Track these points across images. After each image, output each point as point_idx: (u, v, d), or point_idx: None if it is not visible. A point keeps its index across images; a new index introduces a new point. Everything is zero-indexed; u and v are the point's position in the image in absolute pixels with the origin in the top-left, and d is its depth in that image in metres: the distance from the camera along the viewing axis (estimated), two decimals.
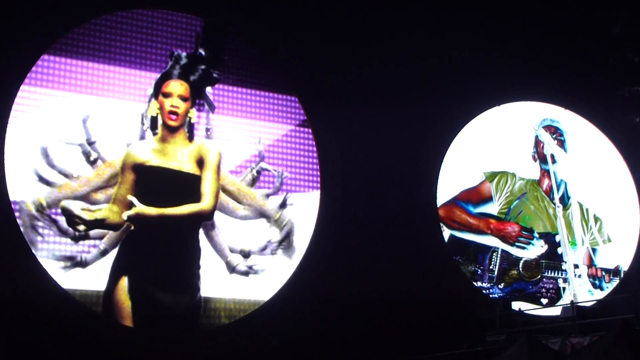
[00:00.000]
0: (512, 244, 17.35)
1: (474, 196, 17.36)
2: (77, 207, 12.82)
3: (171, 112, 13.53)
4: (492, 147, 17.82)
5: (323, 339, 13.96)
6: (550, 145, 18.37)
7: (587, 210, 18.40)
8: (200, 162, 13.71)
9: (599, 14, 18.06)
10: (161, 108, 13.58)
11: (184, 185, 13.53)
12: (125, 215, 12.86)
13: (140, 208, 12.84)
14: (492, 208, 17.50)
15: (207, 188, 13.60)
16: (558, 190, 18.15)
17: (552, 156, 18.34)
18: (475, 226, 17.18)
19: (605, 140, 19.03)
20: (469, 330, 14.22)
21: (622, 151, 19.00)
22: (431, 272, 15.62)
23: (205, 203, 13.53)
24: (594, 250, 18.21)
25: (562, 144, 18.58)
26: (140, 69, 14.09)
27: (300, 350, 13.62)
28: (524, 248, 17.49)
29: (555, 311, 15.95)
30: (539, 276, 17.46)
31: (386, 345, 14.10)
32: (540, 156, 18.32)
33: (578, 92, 18.62)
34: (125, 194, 13.05)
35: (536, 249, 17.54)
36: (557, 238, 17.78)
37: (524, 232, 17.53)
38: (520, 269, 17.33)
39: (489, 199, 17.51)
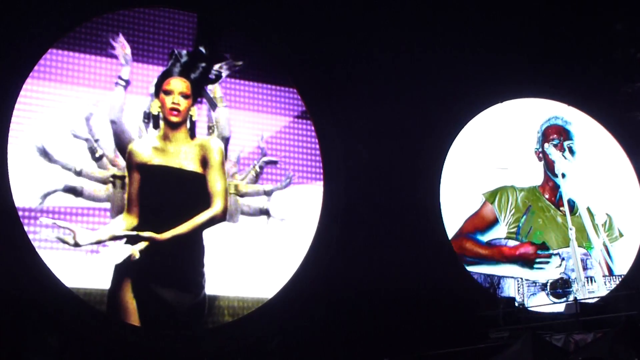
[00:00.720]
0: (531, 267, 16.75)
1: (479, 223, 17.03)
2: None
3: (173, 109, 13.56)
4: (495, 143, 17.75)
5: (326, 336, 13.95)
6: (561, 164, 18.16)
7: (592, 210, 18.23)
8: (204, 161, 13.74)
9: (602, 11, 17.99)
10: (162, 105, 13.59)
11: (187, 184, 13.57)
12: (136, 251, 12.89)
13: (150, 235, 12.93)
14: (500, 230, 17.14)
15: (216, 188, 13.67)
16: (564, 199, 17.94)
17: (563, 174, 18.12)
18: (489, 256, 16.81)
19: (608, 137, 18.94)
20: (473, 327, 14.20)
21: (625, 147, 18.91)
22: (435, 268, 15.59)
23: (217, 207, 13.65)
24: (608, 253, 17.96)
25: (570, 150, 18.41)
26: (143, 62, 14.13)
27: (303, 347, 13.62)
28: (542, 268, 16.94)
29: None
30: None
31: (390, 342, 14.08)
32: (550, 169, 18.12)
33: (581, 88, 18.54)
34: (135, 193, 13.13)
35: (554, 267, 17.01)
36: (571, 263, 17.30)
37: (539, 252, 17.02)
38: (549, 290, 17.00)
39: (494, 222, 17.16)
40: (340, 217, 15.23)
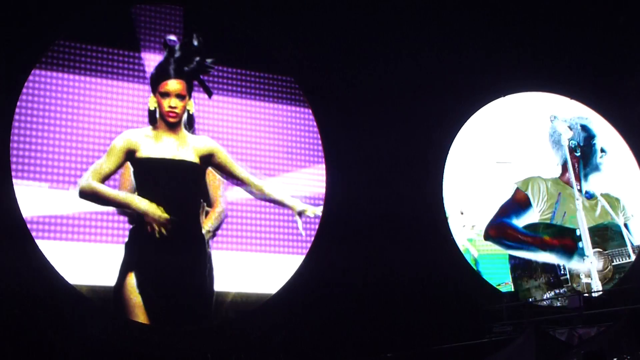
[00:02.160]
0: (571, 256, 17.07)
1: (514, 208, 17.30)
2: None
3: (170, 112, 13.81)
4: (498, 137, 17.74)
5: (330, 331, 13.97)
6: (567, 134, 18.24)
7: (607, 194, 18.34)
8: (208, 157, 13.97)
9: (605, 3, 17.93)
10: (160, 105, 13.81)
11: (184, 174, 13.72)
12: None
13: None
14: (533, 215, 17.39)
15: (245, 173, 14.47)
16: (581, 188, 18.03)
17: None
18: (531, 242, 17.12)
19: (611, 130, 18.89)
20: (476, 321, 14.21)
21: (629, 142, 18.85)
22: (438, 262, 15.60)
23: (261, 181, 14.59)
24: (625, 225, 18.08)
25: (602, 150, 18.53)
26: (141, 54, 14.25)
27: (307, 343, 13.64)
28: (585, 255, 17.11)
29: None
30: (610, 272, 17.26)
31: (393, 336, 14.10)
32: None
33: (584, 82, 18.50)
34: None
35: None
36: (578, 232, 17.37)
37: (579, 244, 17.25)
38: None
39: (527, 206, 17.42)
40: (343, 216, 15.22)
